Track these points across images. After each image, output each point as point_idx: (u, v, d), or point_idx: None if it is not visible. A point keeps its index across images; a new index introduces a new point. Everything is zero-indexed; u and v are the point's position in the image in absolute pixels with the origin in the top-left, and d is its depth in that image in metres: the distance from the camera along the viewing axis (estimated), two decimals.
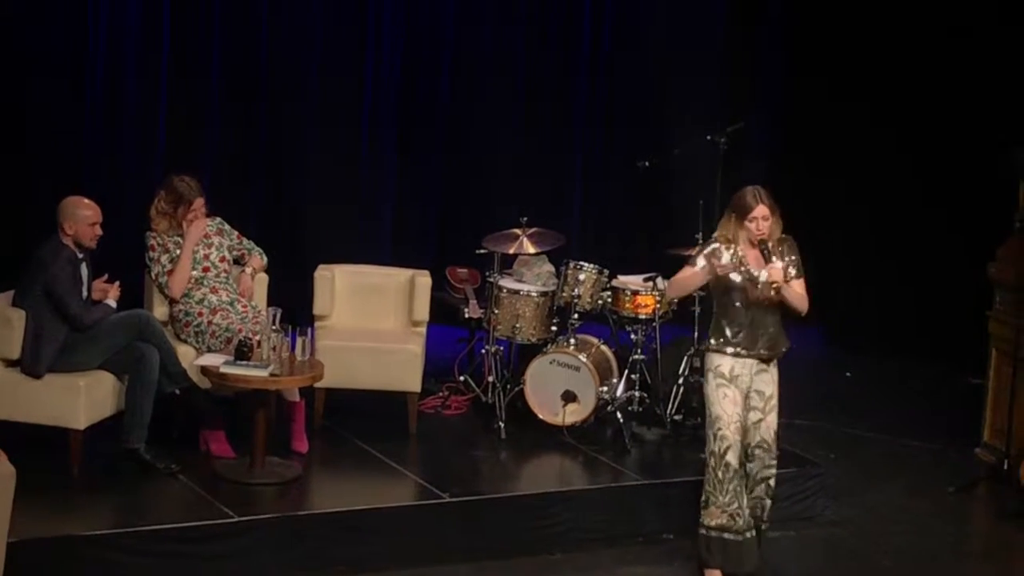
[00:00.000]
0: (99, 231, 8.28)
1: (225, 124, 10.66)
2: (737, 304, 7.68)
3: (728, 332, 7.72)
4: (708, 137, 9.74)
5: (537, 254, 9.82)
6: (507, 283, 9.70)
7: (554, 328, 9.64)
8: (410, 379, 9.19)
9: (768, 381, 7.78)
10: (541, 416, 9.34)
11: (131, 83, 10.29)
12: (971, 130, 11.29)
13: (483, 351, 9.67)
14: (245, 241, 9.20)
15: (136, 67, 10.29)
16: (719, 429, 7.69)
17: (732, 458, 7.68)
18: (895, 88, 11.84)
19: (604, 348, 9.65)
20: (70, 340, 8.20)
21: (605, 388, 9.32)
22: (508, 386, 9.47)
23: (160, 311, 8.88)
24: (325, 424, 9.15)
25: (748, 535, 7.79)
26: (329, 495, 8.41)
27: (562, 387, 9.29)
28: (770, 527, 8.05)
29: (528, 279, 9.80)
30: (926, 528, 8.87)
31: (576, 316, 9.52)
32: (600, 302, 9.60)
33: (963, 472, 9.62)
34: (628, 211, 11.91)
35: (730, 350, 7.70)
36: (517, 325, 9.56)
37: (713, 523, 7.76)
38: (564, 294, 9.56)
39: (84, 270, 8.29)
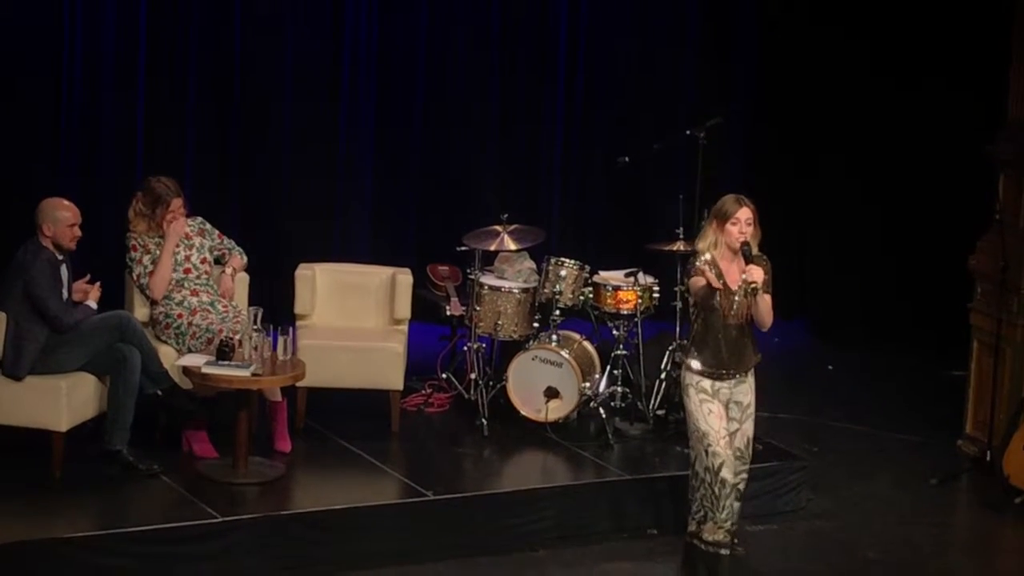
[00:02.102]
0: (78, 232, 8.26)
1: (203, 125, 10.62)
2: (712, 324, 7.69)
3: (703, 353, 7.74)
4: (687, 132, 9.74)
5: (518, 251, 9.82)
6: (488, 280, 9.69)
7: (536, 324, 9.63)
8: (392, 377, 9.19)
9: (746, 391, 7.82)
10: (524, 413, 9.34)
11: (108, 85, 10.24)
12: (953, 121, 11.30)
13: (465, 348, 9.67)
14: (226, 240, 9.19)
15: (113, 70, 10.25)
16: (709, 445, 7.70)
17: (727, 474, 7.70)
18: (870, 78, 11.84)
19: (586, 344, 9.65)
20: (51, 342, 8.18)
21: (587, 384, 9.33)
22: (490, 383, 9.47)
23: (141, 312, 8.87)
24: (308, 423, 9.13)
25: (734, 551, 7.89)
26: (312, 494, 8.40)
27: (544, 383, 9.29)
28: (738, 527, 8.09)
29: (509, 276, 9.80)
30: (909, 520, 8.89)
31: (558, 312, 9.52)
32: (582, 298, 9.60)
33: (946, 464, 9.63)
34: (608, 207, 11.90)
35: (701, 368, 7.72)
36: (499, 322, 9.55)
37: (711, 538, 7.80)
38: (546, 290, 9.56)
39: (64, 272, 8.27)
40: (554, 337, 9.44)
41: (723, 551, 7.78)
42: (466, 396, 9.57)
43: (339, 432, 9.08)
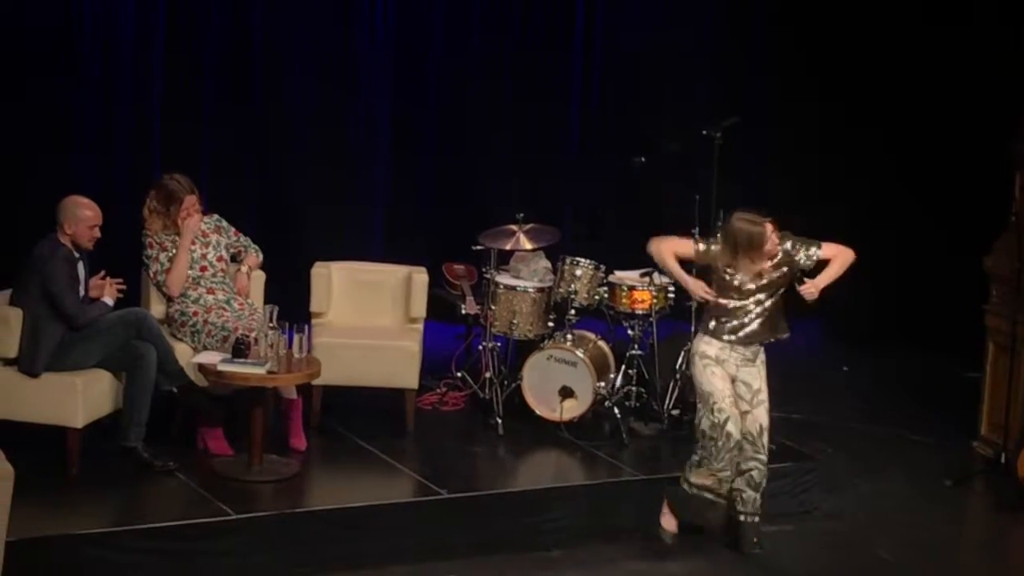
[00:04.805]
0: (98, 233, 8.28)
1: (219, 123, 10.62)
2: (724, 297, 7.83)
3: (714, 321, 7.93)
4: (703, 132, 9.74)
5: (534, 250, 9.83)
6: (504, 279, 9.71)
7: (551, 324, 9.65)
8: (407, 376, 9.19)
9: (754, 375, 7.93)
10: (538, 412, 9.35)
11: (125, 81, 10.25)
12: (967, 122, 11.29)
13: (480, 347, 9.68)
14: (242, 238, 9.21)
15: (130, 65, 10.26)
16: (715, 403, 7.89)
17: (732, 428, 7.87)
18: (884, 79, 11.83)
19: (601, 343, 9.66)
20: (67, 339, 8.20)
21: (602, 383, 9.33)
22: (505, 382, 9.48)
23: (157, 310, 8.89)
24: (322, 421, 9.15)
25: (723, 502, 8.02)
26: (327, 492, 8.41)
27: (559, 383, 9.30)
28: (759, 520, 8.12)
29: (525, 275, 9.81)
30: (923, 521, 8.88)
31: (573, 312, 9.53)
32: (597, 297, 9.61)
33: (960, 465, 9.63)
34: (624, 207, 11.90)
35: (712, 326, 7.94)
36: (514, 321, 9.56)
37: (699, 481, 7.97)
38: (561, 290, 9.57)
39: (81, 269, 8.29)
40: (569, 336, 9.44)
41: (707, 495, 7.89)
42: (481, 395, 9.58)
43: (354, 430, 9.09)
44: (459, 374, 9.84)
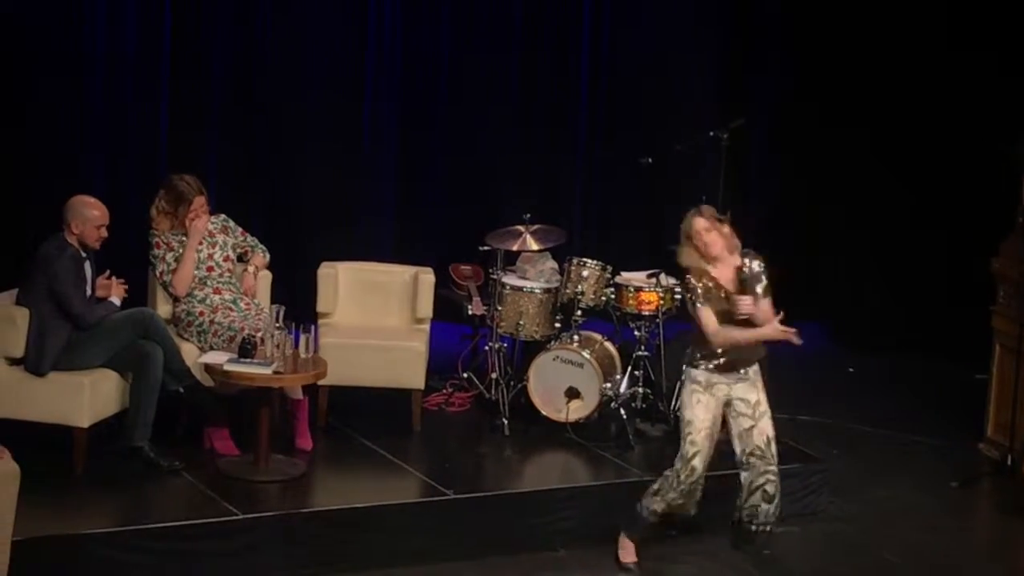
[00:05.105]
0: (104, 233, 8.29)
1: (227, 122, 10.64)
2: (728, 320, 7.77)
3: (704, 350, 7.78)
4: (711, 133, 9.75)
5: (540, 251, 9.84)
6: (510, 280, 9.71)
7: (557, 325, 9.64)
8: (414, 376, 9.20)
9: (749, 388, 7.82)
10: (545, 413, 9.35)
11: (131, 81, 10.27)
12: (973, 123, 11.28)
13: (487, 348, 9.68)
14: (249, 238, 9.21)
15: (137, 65, 10.27)
16: (689, 433, 7.77)
17: (698, 463, 7.77)
18: (894, 79, 11.83)
19: (607, 344, 9.66)
20: (74, 338, 8.21)
21: (608, 384, 9.33)
22: (512, 383, 9.48)
23: (164, 310, 8.90)
24: (329, 421, 9.16)
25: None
26: (333, 492, 8.42)
27: (565, 384, 9.30)
28: (772, 528, 8.09)
29: (531, 276, 9.82)
30: (929, 523, 8.87)
31: (579, 313, 9.53)
32: (603, 299, 9.60)
33: (967, 467, 9.62)
34: (631, 208, 11.90)
35: (705, 365, 7.78)
36: (520, 322, 9.56)
37: (651, 506, 7.89)
38: (567, 291, 9.56)
39: (88, 268, 8.30)
40: (575, 337, 9.44)
41: (645, 513, 7.90)
42: (487, 396, 9.58)
43: (360, 430, 9.10)
44: (465, 375, 9.83)
